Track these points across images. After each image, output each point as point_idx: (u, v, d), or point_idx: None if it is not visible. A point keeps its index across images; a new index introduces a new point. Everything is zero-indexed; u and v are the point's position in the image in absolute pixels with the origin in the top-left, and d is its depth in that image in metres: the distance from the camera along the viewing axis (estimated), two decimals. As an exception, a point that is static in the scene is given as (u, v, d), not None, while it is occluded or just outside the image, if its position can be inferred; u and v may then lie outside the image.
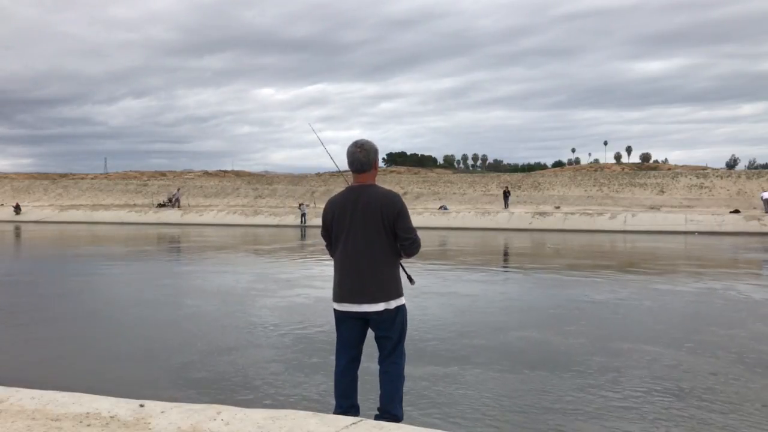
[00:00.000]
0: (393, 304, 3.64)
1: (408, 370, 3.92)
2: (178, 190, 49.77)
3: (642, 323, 7.93)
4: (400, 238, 3.62)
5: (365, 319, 3.67)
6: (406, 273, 3.89)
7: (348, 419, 3.25)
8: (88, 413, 3.35)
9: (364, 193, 3.62)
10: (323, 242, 3.96)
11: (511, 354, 6.29)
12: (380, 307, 3.59)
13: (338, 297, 3.69)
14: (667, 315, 8.50)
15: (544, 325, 7.74)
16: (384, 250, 3.61)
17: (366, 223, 3.58)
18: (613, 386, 5.21)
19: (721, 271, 13.96)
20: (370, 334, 3.81)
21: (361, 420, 3.27)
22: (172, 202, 45.38)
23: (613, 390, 5.10)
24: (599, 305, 9.27)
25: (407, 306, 3.82)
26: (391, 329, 3.68)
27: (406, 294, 3.80)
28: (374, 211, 3.56)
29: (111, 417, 3.29)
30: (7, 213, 43.92)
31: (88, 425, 3.18)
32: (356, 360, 3.79)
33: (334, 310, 3.76)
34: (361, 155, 3.64)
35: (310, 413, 3.39)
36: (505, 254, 19.63)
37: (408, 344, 3.91)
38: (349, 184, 3.76)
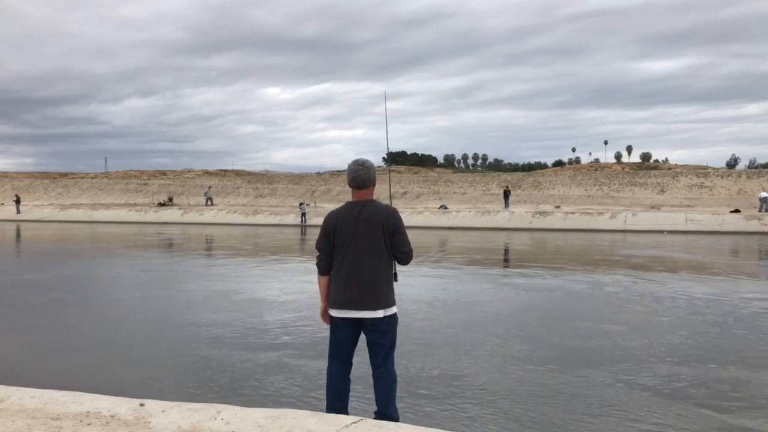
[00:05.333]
0: (390, 311, 3.84)
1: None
2: (210, 187, 48.71)
3: (490, 313, 8.43)
4: (396, 251, 3.89)
5: (360, 325, 3.85)
6: (394, 271, 4.10)
7: (348, 418, 3.26)
8: (88, 412, 3.35)
9: (365, 208, 3.86)
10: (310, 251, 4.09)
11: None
12: (379, 314, 3.79)
13: (338, 304, 3.85)
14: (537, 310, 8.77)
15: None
16: (383, 261, 3.84)
17: (367, 235, 3.80)
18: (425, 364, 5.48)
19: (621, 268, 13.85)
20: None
21: (361, 419, 3.28)
22: (205, 201, 45.01)
23: (421, 372, 5.35)
24: (472, 295, 10.02)
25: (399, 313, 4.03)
26: (385, 336, 3.86)
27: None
28: (375, 225, 3.81)
29: (111, 416, 3.29)
30: (9, 211, 43.93)
31: (89, 424, 3.18)
32: (349, 364, 3.99)
33: (331, 316, 3.90)
34: (363, 173, 3.92)
35: (310, 412, 3.39)
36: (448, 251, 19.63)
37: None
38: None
